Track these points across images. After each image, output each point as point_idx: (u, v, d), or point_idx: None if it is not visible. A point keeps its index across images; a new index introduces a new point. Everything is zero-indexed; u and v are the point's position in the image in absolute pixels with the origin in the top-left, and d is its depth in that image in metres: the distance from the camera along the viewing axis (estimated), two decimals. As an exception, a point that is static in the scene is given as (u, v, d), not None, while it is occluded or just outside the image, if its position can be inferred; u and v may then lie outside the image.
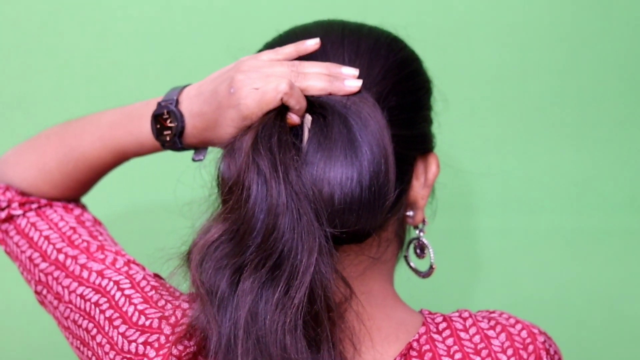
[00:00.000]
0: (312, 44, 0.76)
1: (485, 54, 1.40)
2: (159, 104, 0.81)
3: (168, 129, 0.81)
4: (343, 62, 0.76)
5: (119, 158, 0.90)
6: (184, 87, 0.82)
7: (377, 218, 0.72)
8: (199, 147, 0.81)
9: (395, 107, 0.76)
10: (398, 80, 0.77)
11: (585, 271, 1.43)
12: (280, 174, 0.68)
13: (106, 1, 1.36)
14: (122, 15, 1.36)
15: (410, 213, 0.81)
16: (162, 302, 0.80)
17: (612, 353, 1.44)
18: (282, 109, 0.72)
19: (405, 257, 0.84)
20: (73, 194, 0.93)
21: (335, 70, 0.75)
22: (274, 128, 0.71)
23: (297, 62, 0.75)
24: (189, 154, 0.83)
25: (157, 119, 0.81)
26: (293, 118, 0.73)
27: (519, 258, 1.44)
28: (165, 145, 0.82)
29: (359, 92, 0.74)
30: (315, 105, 0.73)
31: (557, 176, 1.43)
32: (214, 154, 0.81)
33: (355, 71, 0.75)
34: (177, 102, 0.80)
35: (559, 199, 1.43)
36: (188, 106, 0.79)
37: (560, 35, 1.40)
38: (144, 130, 0.84)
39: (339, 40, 0.78)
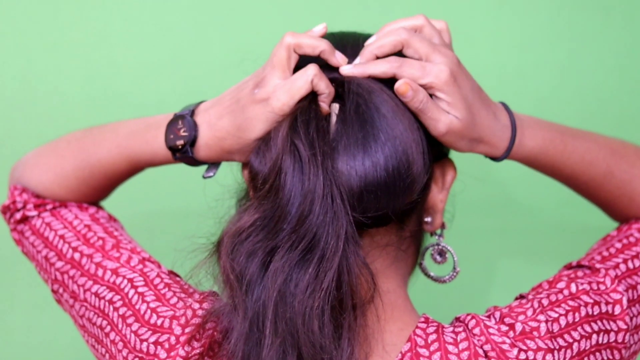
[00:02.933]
0: (320, 28, 0.77)
1: (485, 54, 1.40)
2: (175, 114, 0.82)
3: (180, 138, 0.81)
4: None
5: (133, 167, 0.90)
6: (200, 102, 0.83)
7: (399, 201, 0.73)
8: (211, 163, 0.82)
9: None
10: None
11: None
12: (319, 159, 0.69)
13: (106, 1, 1.36)
14: (122, 15, 1.36)
15: (428, 219, 0.81)
16: (174, 300, 0.80)
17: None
18: (313, 97, 0.73)
19: (421, 265, 0.84)
20: (87, 200, 0.94)
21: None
22: (310, 114, 0.72)
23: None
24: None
25: (171, 128, 0.82)
26: (323, 107, 0.73)
27: (519, 258, 1.44)
28: (176, 155, 0.83)
29: (371, 81, 0.74)
30: (338, 92, 0.74)
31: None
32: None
33: (344, 58, 0.76)
34: (192, 112, 0.81)
35: (559, 199, 1.43)
36: (204, 117, 0.80)
37: (560, 35, 1.41)
38: (159, 140, 0.85)
39: (354, 44, 0.79)
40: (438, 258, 0.84)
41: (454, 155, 0.86)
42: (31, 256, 0.92)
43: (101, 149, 0.91)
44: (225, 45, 1.36)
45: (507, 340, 0.75)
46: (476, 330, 0.76)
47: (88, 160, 0.91)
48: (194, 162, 0.82)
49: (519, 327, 0.76)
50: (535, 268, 1.45)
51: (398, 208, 0.73)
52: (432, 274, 0.85)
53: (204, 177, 0.82)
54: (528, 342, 0.75)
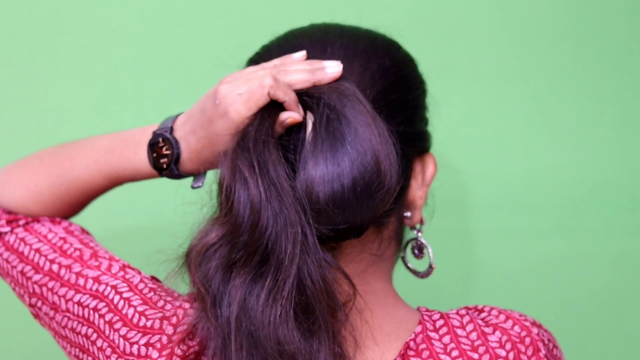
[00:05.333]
0: (299, 56, 0.77)
1: (485, 54, 1.40)
2: (154, 132, 0.82)
3: (164, 157, 0.81)
4: (341, 60, 0.76)
5: (113, 182, 0.90)
6: (178, 115, 0.82)
7: (367, 216, 0.71)
8: (197, 174, 0.82)
9: (395, 104, 0.77)
10: (396, 80, 0.78)
11: (585, 271, 1.43)
12: (256, 169, 0.69)
13: (106, 1, 1.36)
14: (122, 15, 1.36)
15: (407, 214, 0.82)
16: (161, 303, 0.80)
17: (612, 353, 1.44)
18: (271, 108, 0.73)
19: (403, 258, 0.84)
20: (61, 216, 0.94)
21: (317, 65, 0.75)
22: (252, 126, 0.72)
23: (278, 63, 0.76)
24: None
25: (153, 147, 0.82)
26: (294, 116, 0.73)
27: (519, 258, 1.44)
28: (162, 173, 0.83)
29: (347, 88, 0.73)
30: (309, 103, 0.74)
31: (557, 176, 1.43)
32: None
33: (336, 62, 0.75)
34: (171, 129, 0.81)
35: (559, 199, 1.43)
36: (181, 132, 0.80)
37: (560, 35, 1.40)
38: (140, 157, 0.85)
39: (337, 41, 0.78)
40: (417, 252, 0.84)
41: (443, 153, 0.86)
42: (5, 273, 0.91)
43: (78, 165, 0.91)
44: (225, 45, 1.36)
45: (529, 320, 0.78)
46: (494, 312, 0.78)
47: (64, 176, 0.91)
48: (180, 176, 0.83)
49: (531, 318, 0.79)
50: (535, 268, 1.44)
51: (367, 220, 0.72)
52: (410, 265, 0.85)
53: (193, 187, 0.82)
54: (543, 331, 0.78)
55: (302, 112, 0.73)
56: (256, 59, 0.81)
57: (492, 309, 0.79)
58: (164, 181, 0.87)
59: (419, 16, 1.38)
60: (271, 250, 0.69)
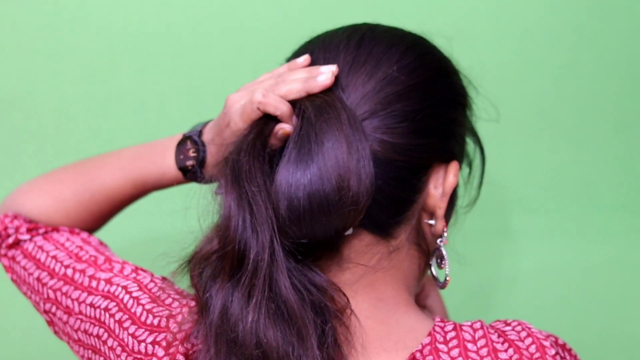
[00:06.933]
0: (302, 61, 0.78)
1: (485, 54, 1.40)
2: (183, 134, 0.86)
3: (190, 159, 0.85)
4: (349, 67, 0.76)
5: (139, 189, 0.92)
6: (209, 120, 0.86)
7: (327, 231, 0.72)
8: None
9: (399, 114, 0.75)
10: (403, 89, 0.76)
11: (585, 271, 1.44)
12: (231, 178, 0.71)
13: (106, 1, 1.36)
14: (122, 15, 1.36)
15: (432, 222, 0.80)
16: (169, 300, 0.80)
17: (612, 353, 1.44)
18: (266, 119, 0.74)
19: (430, 266, 0.84)
20: (84, 227, 0.95)
21: (314, 72, 0.75)
22: (240, 137, 0.74)
23: (283, 71, 0.78)
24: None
25: (181, 149, 0.86)
26: (285, 128, 0.73)
27: (519, 258, 1.44)
28: (187, 175, 0.86)
29: (330, 100, 0.73)
30: (297, 114, 0.74)
31: (557, 176, 1.44)
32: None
33: (332, 67, 0.75)
34: (200, 133, 0.85)
35: (559, 199, 1.44)
36: (207, 136, 0.84)
37: (560, 35, 1.41)
38: (168, 161, 0.88)
39: (351, 46, 0.77)
40: (439, 262, 0.83)
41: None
42: (22, 280, 0.91)
43: (104, 172, 0.92)
44: (225, 45, 1.36)
45: (550, 340, 0.75)
46: (518, 328, 0.76)
47: (90, 184, 0.93)
48: (204, 180, 0.84)
49: (560, 340, 0.77)
50: (532, 268, 1.45)
51: (328, 236, 0.72)
52: (434, 273, 0.84)
53: (216, 194, 0.82)
54: (566, 353, 0.76)
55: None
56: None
57: (519, 324, 0.77)
58: (174, 189, 0.89)
59: (419, 16, 1.38)
60: (244, 257, 0.70)
